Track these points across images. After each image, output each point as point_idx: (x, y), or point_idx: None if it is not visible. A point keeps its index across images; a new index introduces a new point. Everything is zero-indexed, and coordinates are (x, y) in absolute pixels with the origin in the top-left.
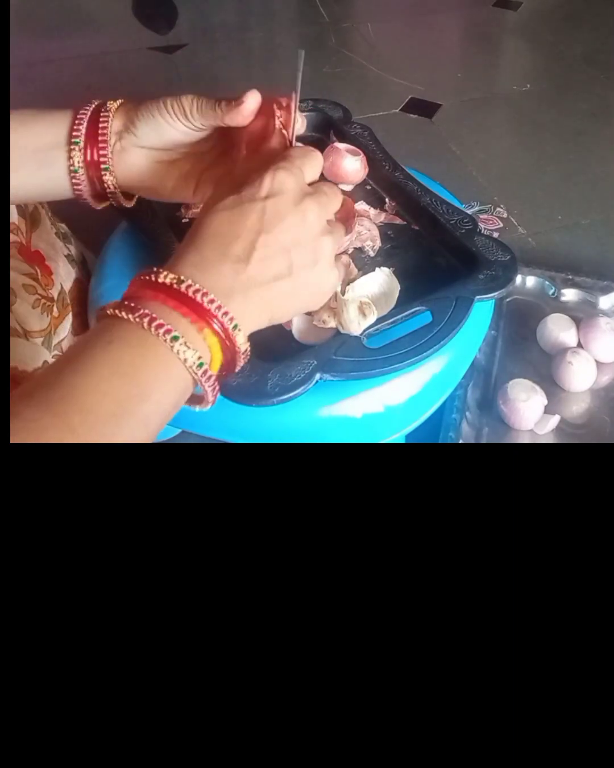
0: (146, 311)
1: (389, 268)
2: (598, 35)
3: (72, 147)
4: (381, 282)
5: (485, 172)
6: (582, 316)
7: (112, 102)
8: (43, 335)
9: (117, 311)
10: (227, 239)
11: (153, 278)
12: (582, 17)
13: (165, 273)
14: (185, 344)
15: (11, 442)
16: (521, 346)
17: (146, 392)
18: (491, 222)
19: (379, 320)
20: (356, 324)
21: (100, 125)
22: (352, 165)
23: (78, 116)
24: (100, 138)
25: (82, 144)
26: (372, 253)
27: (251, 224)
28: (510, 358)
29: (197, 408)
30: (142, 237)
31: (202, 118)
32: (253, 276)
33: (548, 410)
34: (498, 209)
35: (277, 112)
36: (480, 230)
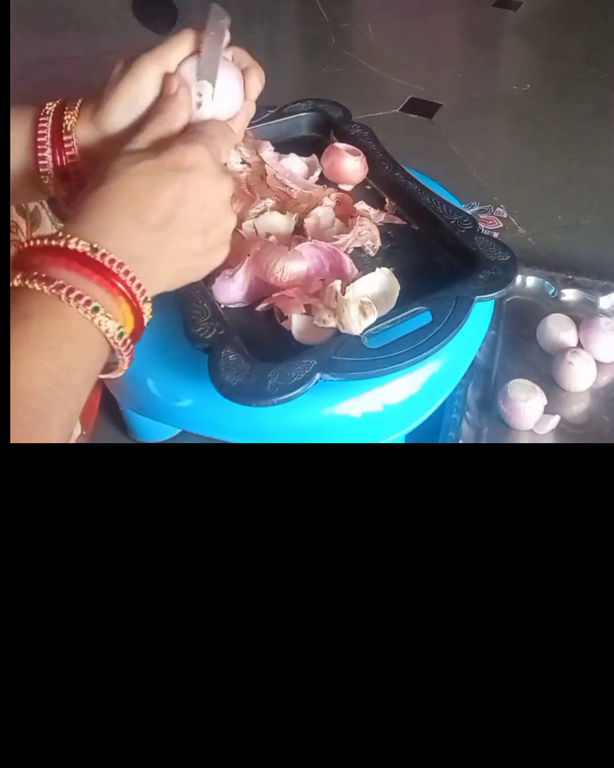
0: (61, 282)
1: (389, 268)
2: (598, 35)
3: (41, 149)
4: (381, 282)
5: (485, 172)
6: (582, 316)
7: (69, 110)
8: None
9: (28, 283)
10: (145, 206)
11: (62, 244)
12: (582, 17)
13: (75, 239)
14: (105, 315)
15: None
16: (521, 346)
17: (73, 364)
18: (491, 222)
19: (379, 320)
20: (357, 324)
21: (65, 136)
22: (352, 165)
23: (40, 118)
24: (66, 147)
25: (50, 147)
26: (372, 253)
27: (171, 194)
28: (510, 358)
29: (112, 376)
30: None
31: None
32: (166, 247)
33: (548, 410)
34: (498, 209)
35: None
36: (480, 230)
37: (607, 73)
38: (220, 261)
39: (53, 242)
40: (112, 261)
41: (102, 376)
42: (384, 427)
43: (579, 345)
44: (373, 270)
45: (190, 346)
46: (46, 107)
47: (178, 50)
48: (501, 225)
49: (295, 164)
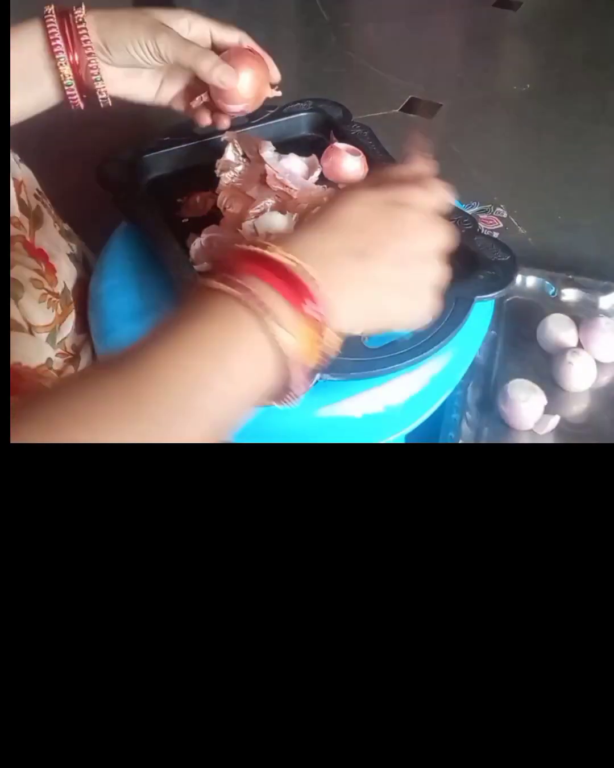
0: (247, 286)
1: None
2: (598, 35)
3: (58, 61)
4: None
5: (485, 172)
6: (582, 316)
7: (77, 10)
8: (48, 330)
9: (217, 284)
10: (353, 231)
11: (266, 253)
12: (582, 17)
13: (280, 249)
14: (282, 326)
15: (77, 413)
16: (521, 346)
17: (229, 371)
18: (491, 222)
19: None
20: None
21: (81, 37)
22: (352, 165)
23: (48, 29)
24: (85, 48)
25: (65, 57)
26: None
27: (386, 226)
28: (510, 358)
29: (285, 405)
30: (142, 237)
31: (177, 55)
32: (365, 274)
33: (548, 410)
34: (498, 209)
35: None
36: (480, 230)
37: (607, 73)
38: (421, 311)
39: (261, 250)
40: (311, 278)
41: (273, 403)
42: (384, 427)
43: (579, 345)
44: None
45: None
46: (51, 17)
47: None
48: (501, 225)
49: (295, 164)
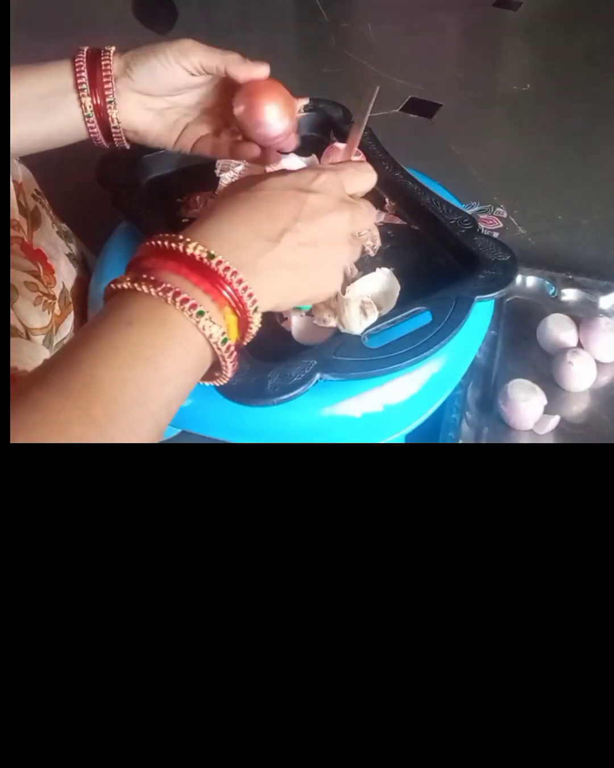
0: (169, 285)
1: (389, 268)
2: (598, 35)
3: (80, 92)
4: (381, 282)
5: (485, 172)
6: (582, 316)
7: (108, 47)
8: (44, 333)
9: (135, 285)
10: (264, 218)
11: (177, 247)
12: (582, 17)
13: (193, 243)
14: (210, 319)
15: (30, 432)
16: (521, 346)
17: (168, 375)
18: (491, 222)
19: (380, 320)
20: (357, 323)
21: (103, 69)
22: None
23: (76, 63)
24: (104, 81)
25: (88, 89)
26: (372, 253)
27: (291, 210)
28: (510, 358)
29: (215, 383)
30: (142, 237)
31: (199, 56)
32: (278, 257)
33: (548, 410)
34: (498, 209)
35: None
36: (480, 230)
37: (607, 73)
38: (328, 288)
39: (172, 244)
40: (226, 269)
41: (205, 382)
42: (384, 427)
43: (579, 345)
44: (373, 270)
45: None
46: (81, 52)
47: (219, 65)
48: (501, 225)
49: (295, 164)
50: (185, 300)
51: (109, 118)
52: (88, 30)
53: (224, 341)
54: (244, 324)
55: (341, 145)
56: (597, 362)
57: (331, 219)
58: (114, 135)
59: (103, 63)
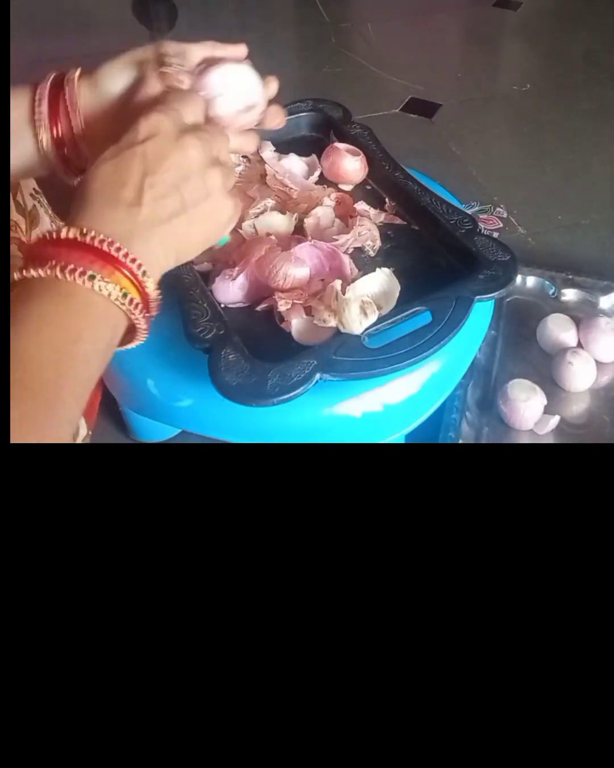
0: (55, 262)
1: (389, 268)
2: (598, 35)
3: (37, 125)
4: (381, 282)
5: (485, 172)
6: (582, 316)
7: (71, 72)
8: None
9: (25, 272)
10: (115, 187)
11: (54, 236)
12: (582, 17)
13: (65, 229)
14: (103, 280)
15: None
16: (521, 346)
17: (77, 334)
18: (491, 222)
19: (379, 320)
20: (358, 323)
21: (66, 99)
22: (352, 165)
23: (36, 95)
24: (68, 112)
25: (46, 122)
26: (372, 253)
27: (135, 168)
28: (510, 358)
29: (133, 345)
30: None
31: (171, 49)
32: (148, 217)
33: (548, 410)
34: (498, 209)
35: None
36: (480, 230)
37: (607, 73)
38: (224, 219)
39: (48, 236)
40: (102, 241)
41: (123, 347)
42: (384, 427)
43: (579, 345)
44: (373, 270)
45: (189, 346)
46: (46, 79)
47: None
48: (501, 225)
49: (295, 164)
50: (73, 269)
51: (78, 149)
52: (88, 30)
53: (124, 295)
54: (141, 290)
55: (341, 146)
56: (597, 362)
57: (177, 158)
58: (84, 166)
59: (66, 92)
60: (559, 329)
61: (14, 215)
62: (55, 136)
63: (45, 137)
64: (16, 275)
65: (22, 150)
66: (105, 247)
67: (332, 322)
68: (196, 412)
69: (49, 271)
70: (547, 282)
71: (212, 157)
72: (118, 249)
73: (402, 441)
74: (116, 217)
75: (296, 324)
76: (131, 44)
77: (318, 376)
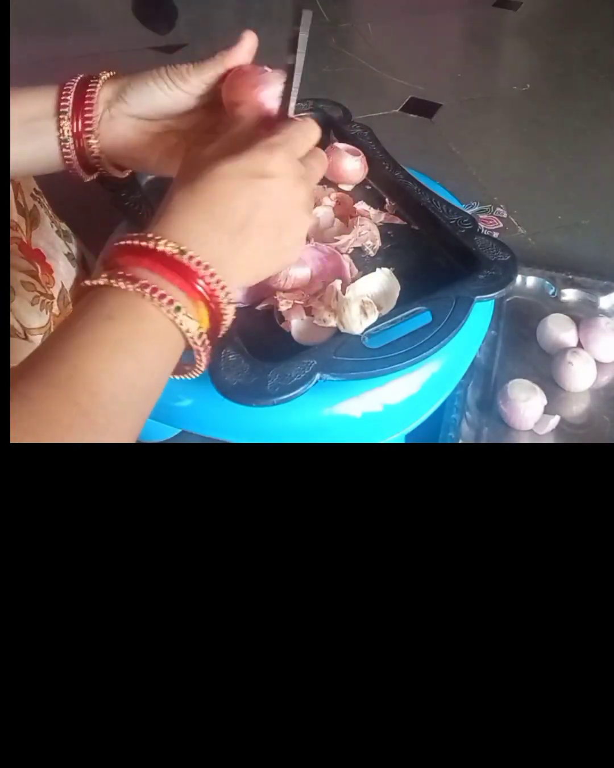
0: (146, 281)
1: (389, 268)
2: (598, 35)
3: (60, 117)
4: (381, 282)
5: (485, 172)
6: (582, 316)
7: (103, 72)
8: (42, 332)
9: (113, 281)
10: (222, 209)
11: (148, 245)
12: (582, 17)
13: (164, 240)
14: (186, 315)
15: (19, 423)
16: (521, 346)
17: (148, 367)
18: (491, 222)
19: (379, 320)
20: (358, 323)
21: (87, 94)
22: (352, 165)
23: (65, 88)
24: (86, 107)
25: (70, 114)
26: (372, 253)
27: (249, 199)
28: (510, 358)
29: (187, 377)
30: None
31: (199, 74)
32: (242, 249)
33: (548, 410)
34: (498, 209)
35: (272, 81)
36: (480, 230)
37: (607, 73)
38: (293, 259)
39: (142, 243)
40: (198, 263)
41: (176, 376)
42: (384, 427)
43: (579, 345)
44: (373, 270)
45: None
46: (74, 78)
47: (217, 68)
48: (501, 225)
49: None
50: (162, 295)
51: (89, 146)
52: (88, 30)
53: (200, 335)
54: (217, 316)
55: (341, 146)
56: (597, 362)
57: (290, 198)
58: (95, 164)
59: (89, 89)
60: (559, 329)
61: (14, 215)
62: (74, 130)
63: (66, 127)
64: (102, 280)
65: (43, 142)
66: (201, 271)
67: (332, 322)
68: (196, 411)
69: (138, 290)
70: (547, 282)
71: (310, 204)
72: (213, 274)
73: (402, 441)
74: (216, 238)
75: (296, 324)
76: (131, 44)
77: (318, 376)
